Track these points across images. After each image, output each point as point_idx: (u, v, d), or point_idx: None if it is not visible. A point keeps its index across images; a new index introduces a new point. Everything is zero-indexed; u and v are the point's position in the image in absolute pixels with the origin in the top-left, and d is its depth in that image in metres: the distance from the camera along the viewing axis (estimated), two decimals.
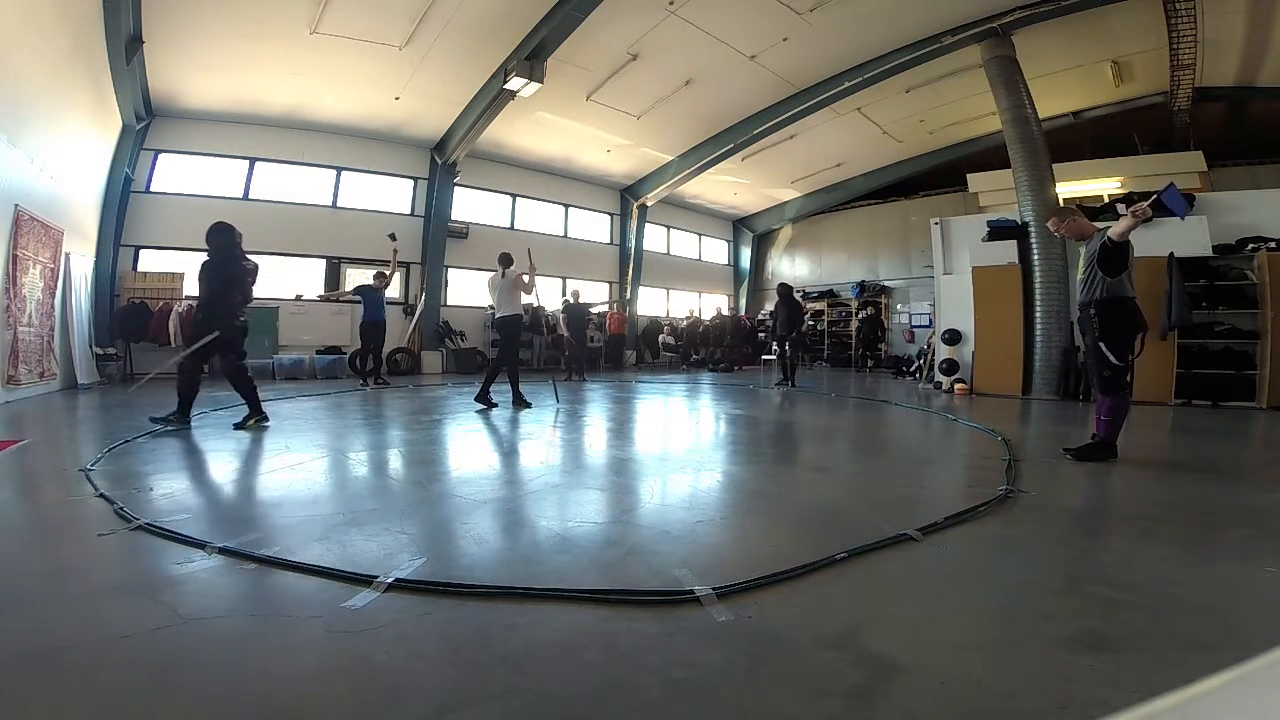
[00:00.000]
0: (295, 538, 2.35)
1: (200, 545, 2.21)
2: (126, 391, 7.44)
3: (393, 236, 9.28)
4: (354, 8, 7.97)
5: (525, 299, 6.68)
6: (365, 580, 1.92)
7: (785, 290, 9.75)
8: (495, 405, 6.33)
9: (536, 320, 12.01)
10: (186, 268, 10.09)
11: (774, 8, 8.50)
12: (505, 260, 6.61)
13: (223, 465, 3.80)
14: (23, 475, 3.48)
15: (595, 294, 15.13)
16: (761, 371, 13.19)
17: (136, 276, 9.74)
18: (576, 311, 11.09)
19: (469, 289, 13.30)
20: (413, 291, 12.36)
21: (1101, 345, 3.82)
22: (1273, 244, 6.98)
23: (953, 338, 9.00)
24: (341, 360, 10.74)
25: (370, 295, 8.92)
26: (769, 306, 17.50)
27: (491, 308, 7.09)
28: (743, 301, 19.06)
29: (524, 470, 3.91)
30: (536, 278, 6.61)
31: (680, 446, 4.80)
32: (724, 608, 1.77)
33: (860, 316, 15.29)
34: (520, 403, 6.49)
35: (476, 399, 6.38)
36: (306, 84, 9.68)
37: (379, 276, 9.23)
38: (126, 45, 7.45)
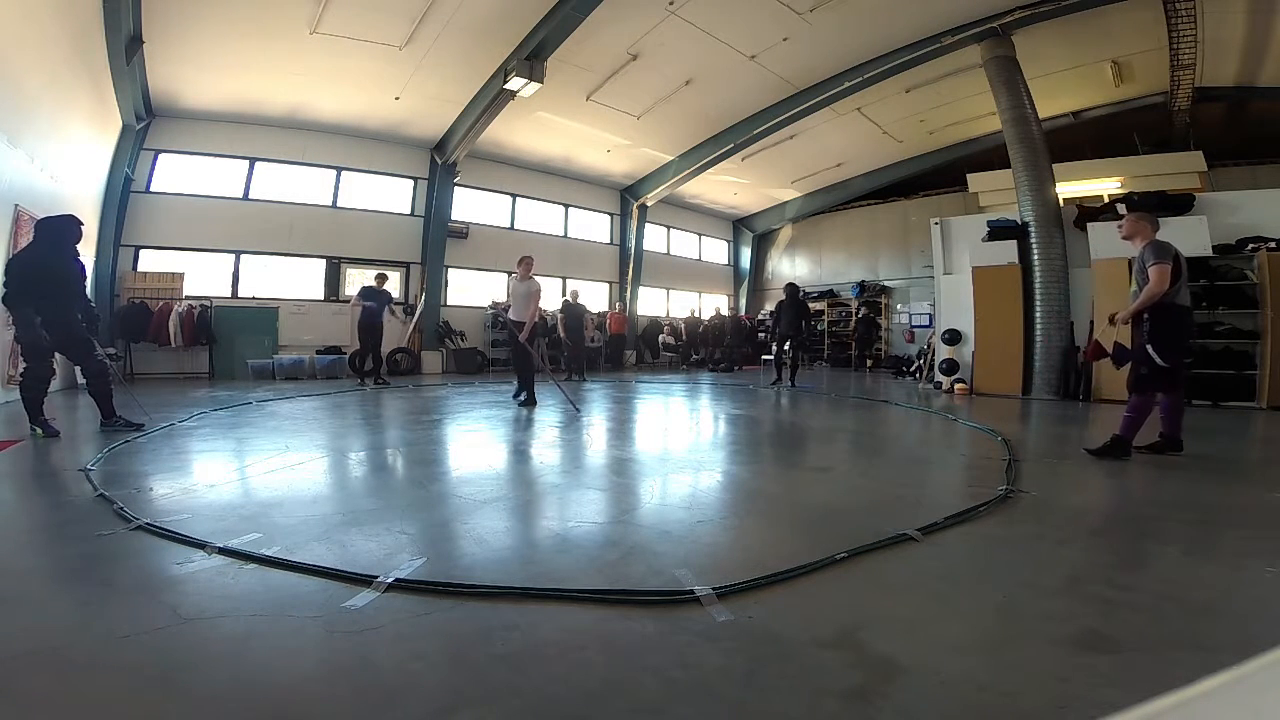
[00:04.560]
0: (295, 538, 2.35)
1: (200, 545, 2.22)
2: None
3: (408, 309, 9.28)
4: (354, 8, 7.96)
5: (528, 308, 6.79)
6: (365, 580, 1.92)
7: (792, 290, 9.80)
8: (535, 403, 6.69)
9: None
10: (187, 268, 10.13)
11: (774, 8, 8.49)
12: (530, 264, 6.77)
13: (222, 465, 3.80)
14: (23, 475, 3.48)
15: (595, 294, 15.10)
16: (761, 371, 13.19)
17: (136, 276, 9.74)
18: (574, 312, 11.09)
19: (469, 289, 13.29)
20: (413, 291, 12.36)
21: (1148, 347, 3.89)
22: (1273, 244, 6.98)
23: (953, 338, 9.00)
24: (341, 360, 10.73)
25: (370, 295, 8.91)
26: (769, 306, 17.55)
27: (494, 305, 7.33)
28: (742, 301, 19.05)
29: (524, 470, 3.91)
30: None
31: (680, 446, 4.80)
32: (724, 608, 1.77)
33: (857, 317, 15.31)
34: (529, 401, 6.68)
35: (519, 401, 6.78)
36: (306, 84, 9.68)
37: (380, 277, 9.24)
38: (126, 45, 7.44)
